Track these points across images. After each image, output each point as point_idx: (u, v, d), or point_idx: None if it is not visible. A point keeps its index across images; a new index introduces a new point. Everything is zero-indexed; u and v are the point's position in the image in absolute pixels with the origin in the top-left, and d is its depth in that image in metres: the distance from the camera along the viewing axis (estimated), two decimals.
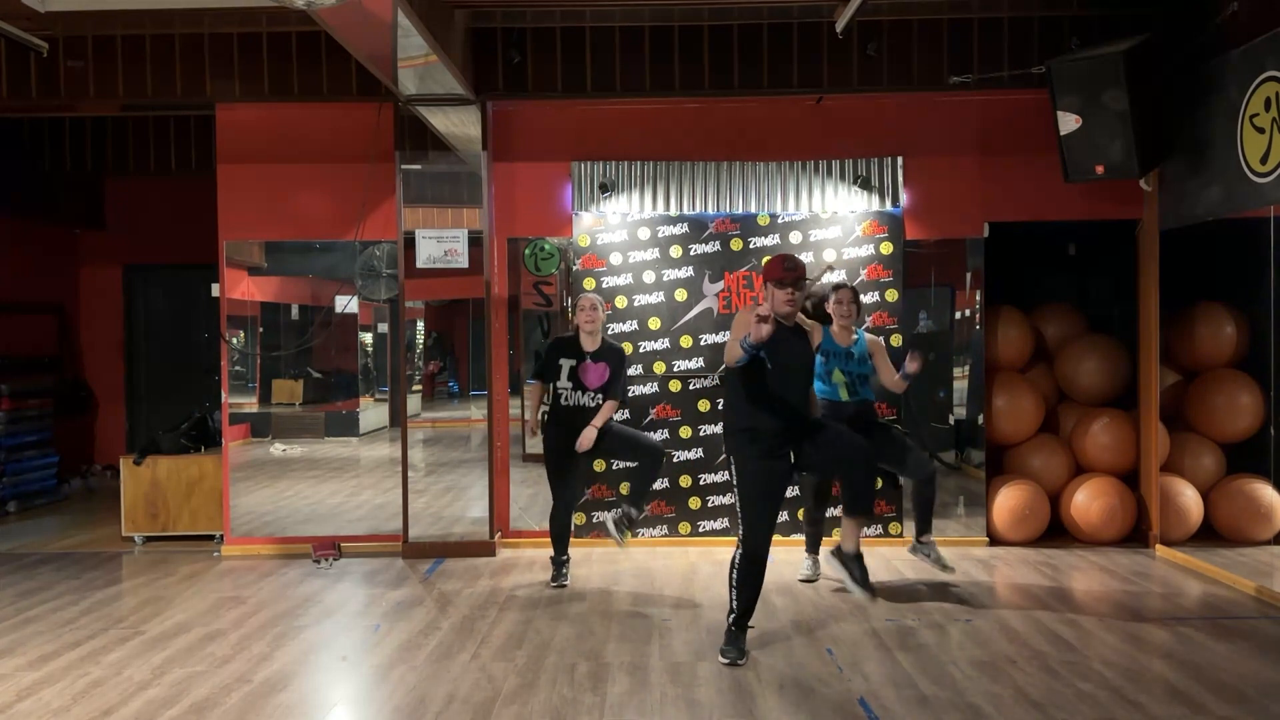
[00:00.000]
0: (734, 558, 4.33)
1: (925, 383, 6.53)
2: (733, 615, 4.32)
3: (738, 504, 4.34)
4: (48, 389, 8.69)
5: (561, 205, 6.55)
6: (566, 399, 5.46)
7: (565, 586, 5.50)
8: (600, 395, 5.45)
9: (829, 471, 4.43)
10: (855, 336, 5.38)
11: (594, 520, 6.48)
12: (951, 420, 6.53)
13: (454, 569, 5.99)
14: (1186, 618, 4.85)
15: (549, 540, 5.65)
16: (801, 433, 4.35)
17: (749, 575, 4.30)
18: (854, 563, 4.49)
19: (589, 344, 5.48)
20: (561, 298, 6.57)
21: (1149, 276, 6.33)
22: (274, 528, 6.54)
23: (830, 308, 5.40)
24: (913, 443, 5.57)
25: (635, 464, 5.60)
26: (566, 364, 5.47)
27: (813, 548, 5.69)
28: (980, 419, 6.47)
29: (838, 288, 5.44)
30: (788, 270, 4.24)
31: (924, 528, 5.49)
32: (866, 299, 6.32)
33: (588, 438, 5.37)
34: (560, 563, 5.58)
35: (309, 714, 3.76)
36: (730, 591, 4.34)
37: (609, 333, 6.17)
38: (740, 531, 4.31)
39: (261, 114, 6.50)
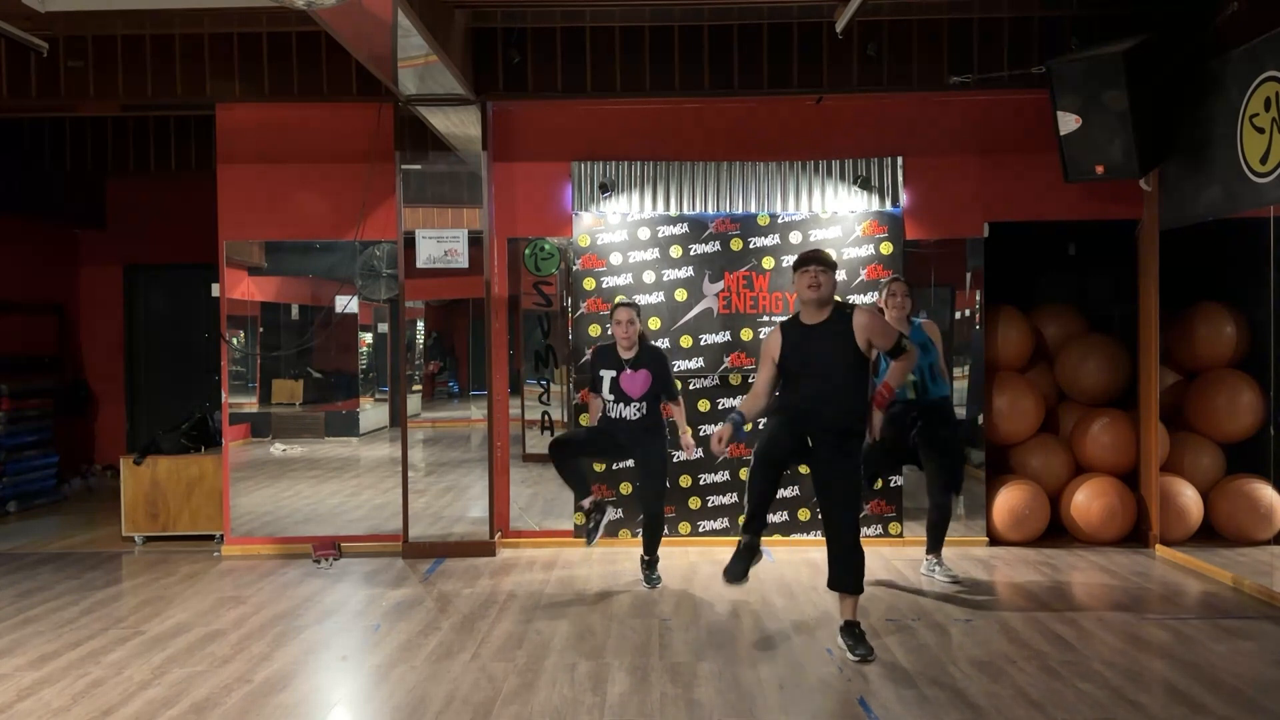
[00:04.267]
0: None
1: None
2: (743, 516, 4.50)
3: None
4: (48, 389, 8.69)
5: (561, 205, 6.55)
6: (609, 410, 5.45)
7: (603, 531, 5.50)
8: (644, 405, 5.41)
9: (825, 511, 4.48)
10: (911, 325, 5.37)
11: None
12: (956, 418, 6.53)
13: (454, 569, 5.98)
14: (1186, 618, 4.85)
15: (549, 540, 5.62)
16: (832, 442, 4.30)
17: (755, 473, 4.36)
18: (847, 633, 4.39)
19: (626, 353, 5.45)
20: (561, 297, 6.57)
21: (1149, 276, 6.33)
22: (274, 528, 6.54)
23: (883, 302, 5.38)
24: (952, 474, 5.51)
25: (640, 506, 5.63)
26: (607, 375, 5.43)
27: (933, 546, 5.58)
28: (980, 419, 6.47)
29: (892, 280, 5.44)
30: (805, 252, 4.42)
31: (935, 547, 5.58)
32: (867, 298, 6.31)
33: (691, 445, 5.64)
34: (594, 507, 5.51)
35: (309, 714, 3.76)
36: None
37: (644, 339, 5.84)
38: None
39: (261, 114, 6.50)
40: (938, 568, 5.54)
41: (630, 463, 6.09)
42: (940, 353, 5.45)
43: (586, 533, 5.55)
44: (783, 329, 4.42)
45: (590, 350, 5.87)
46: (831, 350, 4.29)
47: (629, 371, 5.41)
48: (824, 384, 4.28)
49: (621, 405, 5.40)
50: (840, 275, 6.36)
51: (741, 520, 4.56)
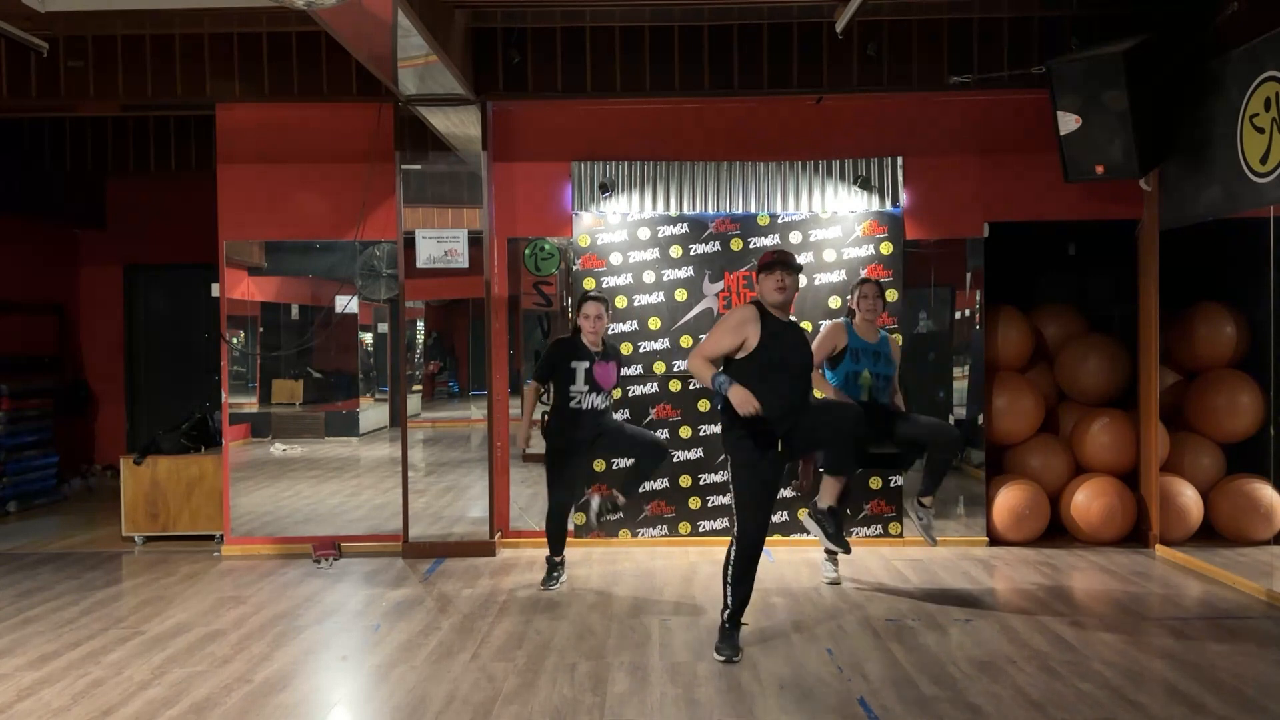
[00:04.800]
0: (728, 554, 4.36)
1: (925, 383, 6.54)
2: (727, 611, 4.35)
3: (733, 500, 4.36)
4: (48, 389, 8.69)
5: (561, 205, 6.55)
6: (580, 402, 5.40)
7: (553, 590, 5.45)
8: (609, 395, 5.47)
9: (821, 439, 4.42)
10: (880, 334, 5.37)
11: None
12: (951, 420, 6.53)
13: (454, 569, 5.99)
14: (1186, 618, 4.85)
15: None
16: (801, 416, 4.34)
17: (743, 572, 4.32)
18: (828, 518, 4.43)
19: (594, 345, 5.47)
20: (561, 298, 6.57)
21: (1149, 276, 6.33)
22: (274, 528, 6.54)
23: (854, 302, 5.39)
24: (928, 420, 5.42)
25: (635, 459, 5.61)
26: (580, 366, 5.40)
27: (929, 487, 5.36)
28: (980, 419, 6.47)
29: (862, 282, 5.43)
30: (769, 253, 4.37)
31: (929, 488, 5.29)
32: None
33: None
34: (554, 564, 5.56)
35: (309, 714, 3.76)
36: (725, 588, 4.35)
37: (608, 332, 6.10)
38: (735, 528, 4.33)
39: (261, 114, 6.50)
40: (927, 512, 5.32)
41: (620, 463, 6.16)
42: (895, 373, 5.37)
43: (594, 520, 5.60)
44: (760, 313, 4.28)
45: (548, 344, 5.83)
46: (796, 348, 4.37)
47: (600, 362, 5.44)
48: (795, 380, 4.32)
49: (594, 395, 5.41)
50: (840, 275, 6.41)
51: (727, 614, 4.33)
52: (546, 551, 5.63)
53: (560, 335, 6.13)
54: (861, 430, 4.44)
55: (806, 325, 6.25)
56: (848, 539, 5.31)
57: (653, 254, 6.48)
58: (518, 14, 6.04)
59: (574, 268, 6.49)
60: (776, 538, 6.36)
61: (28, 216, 8.65)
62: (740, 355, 4.27)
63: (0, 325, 8.53)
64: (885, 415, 5.22)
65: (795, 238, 6.44)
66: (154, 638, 4.66)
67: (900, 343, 5.67)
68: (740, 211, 6.48)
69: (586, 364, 5.40)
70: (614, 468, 6.39)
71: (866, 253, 6.43)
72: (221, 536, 6.60)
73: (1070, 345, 6.67)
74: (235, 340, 6.71)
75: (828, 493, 4.42)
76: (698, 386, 6.45)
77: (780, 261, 4.29)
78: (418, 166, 6.33)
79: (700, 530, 6.48)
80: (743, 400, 4.08)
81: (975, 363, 6.50)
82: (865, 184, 6.45)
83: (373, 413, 6.98)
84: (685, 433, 6.46)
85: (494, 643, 4.54)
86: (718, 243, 6.47)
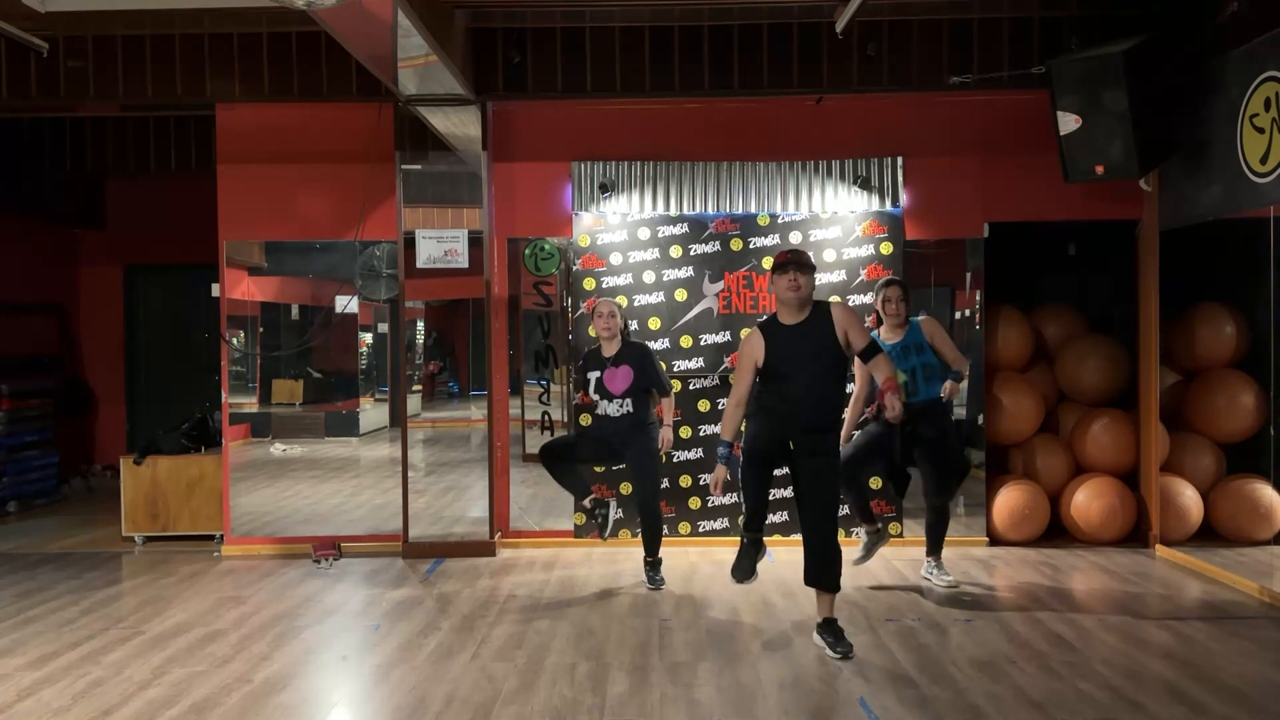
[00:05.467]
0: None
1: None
2: (743, 518, 4.57)
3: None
4: (48, 389, 8.70)
5: (561, 205, 6.55)
6: (598, 409, 5.55)
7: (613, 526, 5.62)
8: (627, 402, 5.44)
9: (801, 507, 4.51)
10: (908, 323, 5.34)
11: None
12: (951, 420, 6.52)
13: (454, 569, 5.99)
14: (1186, 618, 4.85)
15: (548, 540, 5.64)
16: (810, 440, 4.34)
17: (745, 471, 4.45)
18: (825, 630, 4.40)
19: (609, 350, 5.51)
20: (561, 298, 6.57)
21: (1149, 276, 6.33)
22: (274, 528, 6.55)
23: (878, 305, 5.38)
24: (938, 481, 5.40)
25: (635, 507, 5.69)
26: (593, 376, 5.52)
27: (932, 549, 5.53)
28: (980, 419, 6.47)
29: (886, 284, 5.37)
30: (783, 254, 4.43)
31: (930, 550, 5.55)
32: (866, 299, 6.31)
33: (667, 439, 5.58)
34: (595, 504, 5.69)
35: (309, 714, 3.76)
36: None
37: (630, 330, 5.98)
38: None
39: (261, 114, 6.50)
40: (935, 570, 5.51)
41: (620, 466, 6.15)
42: (947, 346, 5.31)
43: (598, 528, 5.61)
44: (764, 331, 4.45)
45: (582, 356, 5.95)
46: (813, 349, 4.34)
47: (610, 369, 5.48)
48: (806, 383, 4.32)
49: (606, 402, 5.48)
50: (840, 275, 6.41)
51: (742, 520, 4.56)
52: (546, 551, 5.63)
53: (559, 336, 6.18)
54: (832, 535, 4.44)
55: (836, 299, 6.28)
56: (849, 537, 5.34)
57: (653, 254, 6.48)
58: (518, 14, 6.04)
59: (574, 268, 6.49)
60: (776, 538, 6.35)
61: (28, 216, 8.65)
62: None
63: (0, 325, 8.53)
64: (929, 428, 5.23)
65: (795, 238, 6.44)
66: (154, 638, 4.66)
67: (929, 317, 5.57)
68: (740, 211, 6.48)
69: (598, 373, 5.51)
70: (614, 468, 6.38)
71: (866, 253, 6.43)
72: (221, 536, 6.60)
73: (1070, 345, 6.67)
74: (235, 340, 6.71)
75: (820, 606, 4.43)
76: (697, 386, 6.46)
77: (794, 261, 4.34)
78: (418, 166, 6.33)
79: (700, 530, 6.48)
80: (712, 481, 4.46)
81: (975, 363, 6.49)
82: (865, 184, 6.45)
83: (373, 413, 6.98)
84: (685, 433, 6.46)
85: (494, 643, 4.54)
86: (718, 243, 6.46)
